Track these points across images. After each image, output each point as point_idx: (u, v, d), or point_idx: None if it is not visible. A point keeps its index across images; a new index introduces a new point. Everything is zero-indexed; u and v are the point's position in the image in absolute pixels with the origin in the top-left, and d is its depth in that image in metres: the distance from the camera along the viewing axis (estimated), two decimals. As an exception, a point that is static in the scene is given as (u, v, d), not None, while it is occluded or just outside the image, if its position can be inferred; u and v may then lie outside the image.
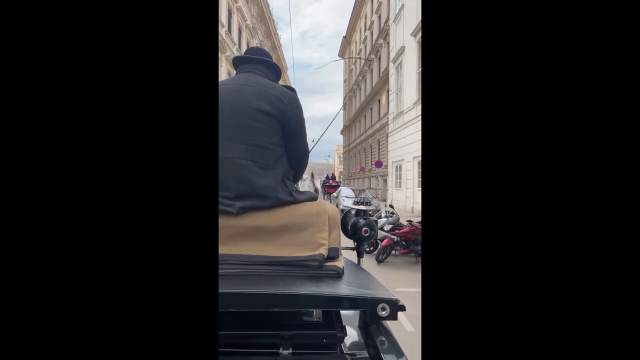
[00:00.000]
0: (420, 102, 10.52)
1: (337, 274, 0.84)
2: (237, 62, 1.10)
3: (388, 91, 16.55)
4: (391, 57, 14.92)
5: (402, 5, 13.10)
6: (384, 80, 18.49)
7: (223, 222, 0.85)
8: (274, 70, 1.12)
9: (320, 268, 0.85)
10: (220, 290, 0.62)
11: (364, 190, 12.23)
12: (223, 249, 0.84)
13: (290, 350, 0.70)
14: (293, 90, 1.06)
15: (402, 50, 13.09)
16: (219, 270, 0.80)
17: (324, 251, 0.87)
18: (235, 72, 1.08)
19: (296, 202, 0.96)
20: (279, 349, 0.70)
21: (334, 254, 0.89)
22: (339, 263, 0.88)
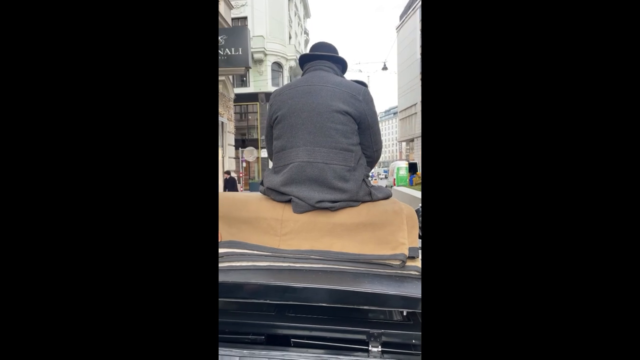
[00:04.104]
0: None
1: (419, 275, 0.87)
2: (303, 60, 1.17)
3: None
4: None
5: None
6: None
7: (301, 218, 0.97)
8: (341, 63, 1.17)
9: (403, 268, 0.90)
10: (310, 285, 0.76)
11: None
12: (304, 245, 0.95)
13: (379, 349, 0.75)
14: (365, 84, 1.12)
15: None
16: (302, 265, 0.92)
17: (405, 251, 0.90)
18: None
19: (373, 200, 1.01)
20: (368, 346, 0.76)
21: (414, 254, 0.92)
22: (419, 264, 0.91)
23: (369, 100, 1.06)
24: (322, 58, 1.13)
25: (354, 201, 0.98)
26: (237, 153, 12.68)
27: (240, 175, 13.63)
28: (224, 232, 1.00)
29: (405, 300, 0.73)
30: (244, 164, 15.58)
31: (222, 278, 0.81)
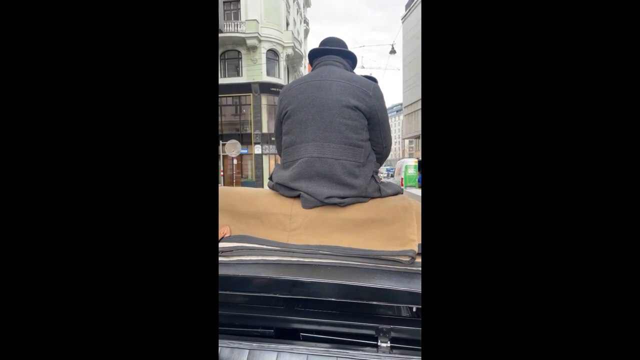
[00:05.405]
0: None
1: None
2: (312, 55, 1.17)
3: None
4: None
5: None
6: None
7: (310, 213, 0.97)
8: (351, 58, 1.17)
9: (412, 264, 0.90)
10: (319, 280, 0.77)
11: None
12: (313, 240, 0.94)
13: (388, 344, 0.76)
14: (375, 80, 1.13)
15: None
16: (310, 260, 0.92)
17: (414, 247, 0.91)
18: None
19: (382, 196, 1.02)
20: (377, 341, 0.77)
21: None
22: None
23: (379, 96, 1.06)
24: (332, 53, 1.13)
25: (362, 197, 0.99)
26: (220, 149, 11.17)
27: (221, 173, 12.19)
28: (233, 227, 0.99)
29: (414, 296, 0.74)
30: (236, 161, 14.03)
31: (231, 272, 0.83)
